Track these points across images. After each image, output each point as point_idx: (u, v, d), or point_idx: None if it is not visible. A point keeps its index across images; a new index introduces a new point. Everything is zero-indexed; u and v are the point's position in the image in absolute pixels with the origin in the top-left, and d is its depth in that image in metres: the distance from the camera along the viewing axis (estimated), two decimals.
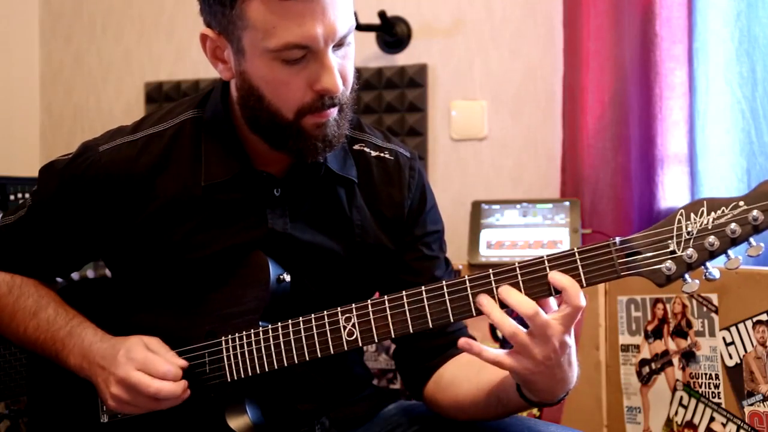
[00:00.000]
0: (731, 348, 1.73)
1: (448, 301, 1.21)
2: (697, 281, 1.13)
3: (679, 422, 1.82)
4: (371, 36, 2.54)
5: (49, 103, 2.97)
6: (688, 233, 1.12)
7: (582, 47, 2.22)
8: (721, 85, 2.05)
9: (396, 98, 2.52)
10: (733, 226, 1.09)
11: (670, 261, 1.12)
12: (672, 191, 2.15)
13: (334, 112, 1.29)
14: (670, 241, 1.13)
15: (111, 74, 2.89)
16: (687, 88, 2.11)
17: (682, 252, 1.12)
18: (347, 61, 1.29)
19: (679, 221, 1.12)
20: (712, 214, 1.11)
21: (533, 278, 1.18)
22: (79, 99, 2.93)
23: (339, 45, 1.26)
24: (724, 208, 1.10)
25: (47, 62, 2.97)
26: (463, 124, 2.49)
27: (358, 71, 2.53)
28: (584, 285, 1.16)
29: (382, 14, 2.44)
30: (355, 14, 2.38)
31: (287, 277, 1.34)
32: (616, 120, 2.18)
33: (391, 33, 2.52)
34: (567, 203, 2.19)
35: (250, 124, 1.33)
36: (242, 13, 1.22)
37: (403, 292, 1.24)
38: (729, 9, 2.04)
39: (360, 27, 2.43)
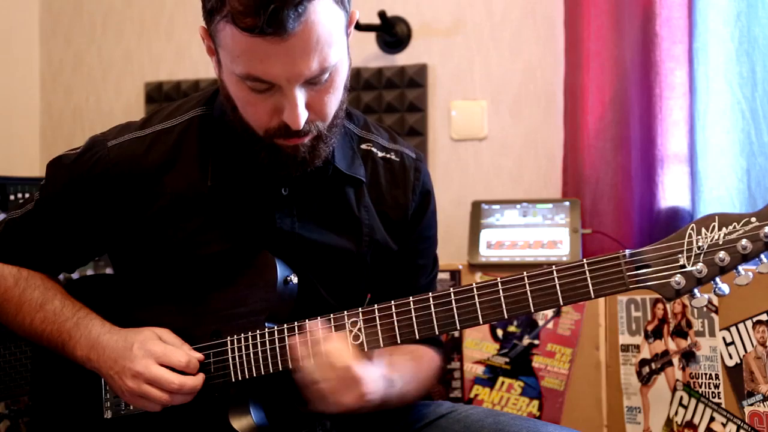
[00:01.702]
0: (731, 348, 1.73)
1: (455, 309, 1.21)
2: (706, 296, 1.14)
3: (679, 422, 1.83)
4: (371, 36, 2.54)
5: (49, 103, 2.97)
6: (699, 248, 1.12)
7: (582, 47, 2.22)
8: (721, 85, 2.05)
9: (396, 98, 2.52)
10: (744, 242, 1.09)
11: (679, 275, 1.12)
12: (672, 191, 2.15)
13: (305, 139, 1.26)
14: (680, 256, 1.13)
15: (111, 74, 2.88)
16: (687, 88, 2.12)
17: (692, 267, 1.12)
18: (325, 94, 1.25)
19: (690, 236, 1.12)
20: (724, 229, 1.11)
21: (541, 288, 1.18)
22: (79, 99, 2.92)
23: (312, 82, 1.22)
24: (735, 223, 1.10)
25: (47, 62, 2.97)
26: (463, 124, 2.49)
27: (358, 71, 2.55)
28: (592, 297, 1.16)
29: (382, 14, 2.44)
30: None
31: (294, 279, 1.34)
32: (616, 120, 2.19)
33: (391, 33, 2.52)
34: (567, 203, 2.19)
35: (233, 127, 1.32)
36: (217, 32, 1.21)
37: (410, 298, 1.24)
38: (729, 9, 2.04)
39: (360, 27, 2.42)
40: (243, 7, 1.13)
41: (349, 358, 1.24)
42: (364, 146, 1.46)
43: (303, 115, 1.22)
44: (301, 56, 1.17)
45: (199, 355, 1.33)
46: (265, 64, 1.18)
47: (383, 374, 1.30)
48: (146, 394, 1.30)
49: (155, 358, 1.30)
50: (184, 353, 1.31)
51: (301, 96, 1.21)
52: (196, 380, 1.31)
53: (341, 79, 1.26)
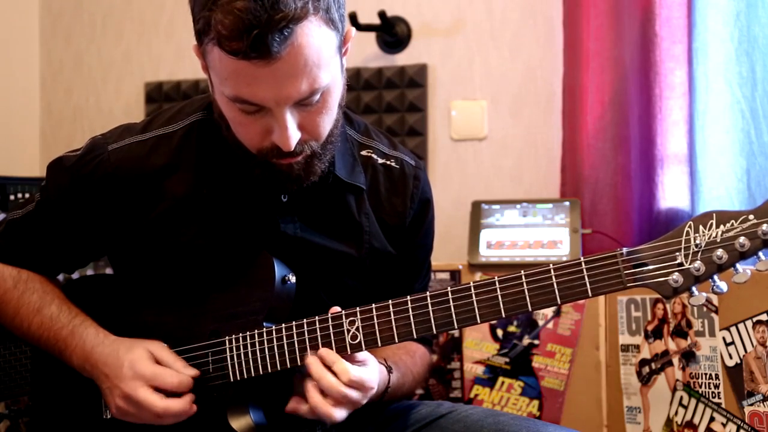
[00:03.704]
0: (731, 348, 1.73)
1: (452, 308, 1.21)
2: (704, 294, 1.13)
3: (679, 422, 1.82)
4: (371, 36, 2.54)
5: (49, 103, 2.97)
6: (696, 246, 1.11)
7: (582, 47, 2.22)
8: (720, 85, 2.05)
9: (396, 98, 2.52)
10: (741, 239, 1.08)
11: (677, 273, 1.12)
12: (672, 191, 2.15)
13: (299, 158, 1.26)
14: (677, 253, 1.12)
15: (111, 74, 2.89)
16: (687, 88, 2.11)
17: (689, 264, 1.11)
18: (318, 115, 1.24)
19: (688, 233, 1.12)
20: (721, 227, 1.10)
21: (538, 287, 1.18)
22: (79, 99, 2.93)
23: (304, 104, 1.21)
24: (733, 221, 1.10)
25: (47, 62, 2.97)
26: (463, 124, 2.49)
27: (358, 71, 2.54)
28: (590, 295, 1.16)
29: (382, 14, 2.44)
30: (355, 14, 2.36)
31: (292, 278, 1.34)
32: (616, 120, 2.18)
33: (391, 33, 2.52)
34: (567, 203, 2.19)
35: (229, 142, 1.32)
36: (207, 53, 1.21)
37: (408, 298, 1.24)
38: (729, 9, 2.04)
39: (360, 27, 2.42)
40: (227, 31, 1.12)
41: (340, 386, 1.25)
42: (364, 152, 1.46)
43: (294, 137, 1.21)
44: (289, 79, 1.16)
45: (193, 372, 1.32)
46: (253, 87, 1.17)
47: (377, 361, 1.33)
48: (134, 415, 1.30)
49: (144, 381, 1.29)
50: (174, 374, 1.30)
51: (291, 118, 1.20)
52: (183, 403, 1.30)
53: (334, 99, 1.25)
